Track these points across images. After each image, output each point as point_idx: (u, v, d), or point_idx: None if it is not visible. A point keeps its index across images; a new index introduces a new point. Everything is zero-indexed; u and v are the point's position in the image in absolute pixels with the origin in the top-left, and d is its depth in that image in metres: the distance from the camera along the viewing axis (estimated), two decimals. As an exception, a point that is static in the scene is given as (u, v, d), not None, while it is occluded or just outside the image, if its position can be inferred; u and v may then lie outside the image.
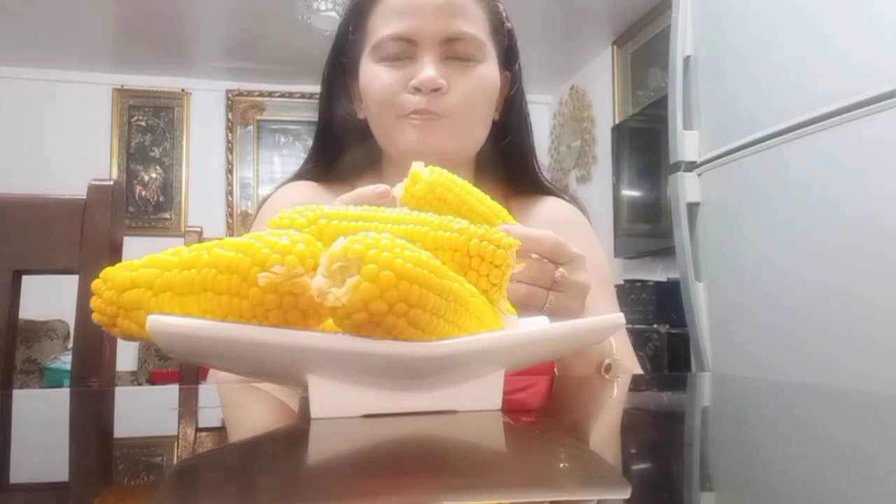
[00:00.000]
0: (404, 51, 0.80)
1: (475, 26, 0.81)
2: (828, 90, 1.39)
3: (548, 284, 0.58)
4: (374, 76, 0.81)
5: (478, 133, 0.84)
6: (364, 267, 0.36)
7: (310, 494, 0.29)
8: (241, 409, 0.54)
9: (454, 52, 0.80)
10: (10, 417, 0.56)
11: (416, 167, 0.57)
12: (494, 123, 0.87)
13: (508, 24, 0.89)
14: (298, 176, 0.91)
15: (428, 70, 0.77)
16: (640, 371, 0.77)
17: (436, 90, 0.78)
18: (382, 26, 0.81)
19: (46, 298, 2.05)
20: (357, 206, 0.54)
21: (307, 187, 0.88)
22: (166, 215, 4.44)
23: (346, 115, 0.88)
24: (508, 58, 0.88)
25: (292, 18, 3.20)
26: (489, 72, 0.83)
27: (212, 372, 0.72)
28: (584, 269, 0.61)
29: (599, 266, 0.83)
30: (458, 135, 0.81)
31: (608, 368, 0.67)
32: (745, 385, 0.78)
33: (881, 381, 1.25)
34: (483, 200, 0.59)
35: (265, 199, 0.92)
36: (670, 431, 0.45)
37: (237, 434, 0.46)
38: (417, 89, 0.78)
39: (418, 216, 0.49)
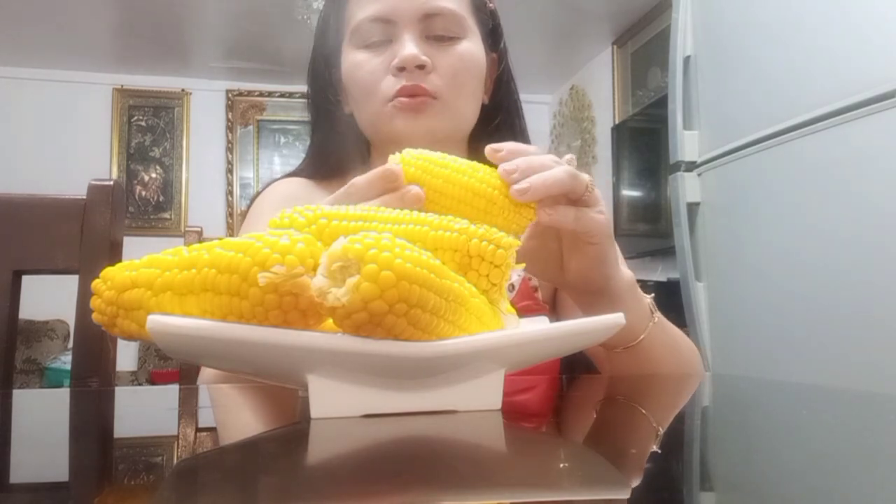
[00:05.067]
0: (383, 33, 0.78)
1: (454, 2, 0.79)
2: (828, 90, 1.39)
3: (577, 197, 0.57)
4: (355, 64, 0.79)
5: (467, 113, 0.81)
6: (364, 267, 0.36)
7: (310, 494, 0.29)
8: (241, 409, 0.54)
9: (434, 29, 0.78)
10: (10, 417, 0.56)
11: (393, 157, 0.57)
12: (484, 106, 0.85)
13: (491, 5, 0.87)
14: (292, 174, 0.91)
15: (409, 48, 0.75)
16: (685, 340, 0.75)
17: (420, 67, 0.75)
18: (359, 10, 0.79)
19: (46, 298, 2.05)
20: (365, 193, 0.54)
21: (298, 183, 0.87)
22: (166, 215, 4.44)
23: (333, 109, 0.87)
24: (493, 39, 0.86)
25: (292, 18, 3.20)
26: (473, 48, 0.80)
27: (202, 371, 0.72)
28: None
29: None
30: (446, 116, 0.78)
31: (653, 308, 0.66)
32: (745, 385, 0.78)
33: (881, 381, 1.25)
34: (465, 171, 0.56)
35: (256, 196, 0.91)
36: (670, 431, 0.45)
37: (237, 434, 0.46)
38: (401, 69, 0.75)
39: (418, 216, 0.49)
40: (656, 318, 0.66)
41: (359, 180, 0.56)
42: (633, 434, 0.43)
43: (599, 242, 0.59)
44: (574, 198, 0.57)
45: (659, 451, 0.38)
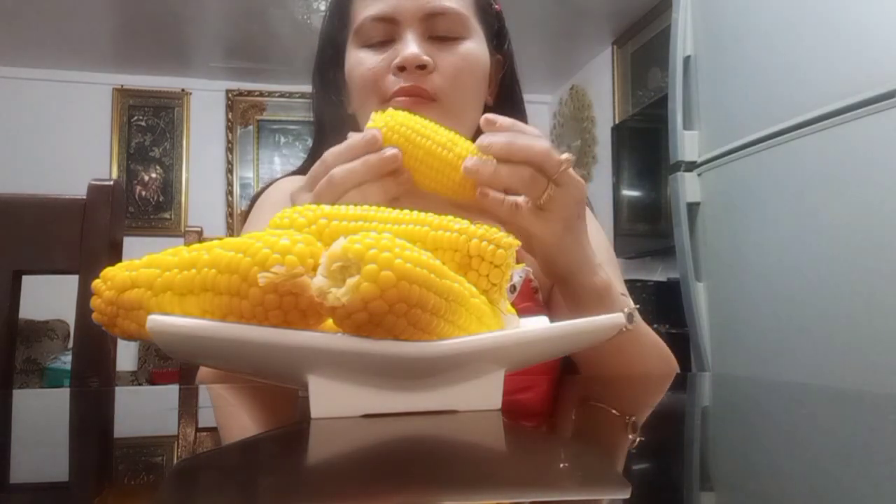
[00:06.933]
0: (386, 32, 0.78)
1: (457, 1, 0.79)
2: (828, 90, 1.39)
3: (550, 174, 0.58)
4: (357, 62, 0.80)
5: (469, 115, 0.80)
6: (364, 267, 0.36)
7: (310, 494, 0.29)
8: (241, 409, 0.54)
9: (437, 29, 0.78)
10: (10, 417, 0.56)
11: (375, 115, 0.61)
12: (488, 108, 0.84)
13: (497, 6, 0.87)
14: (295, 173, 0.91)
15: (411, 47, 0.75)
16: (654, 337, 0.73)
17: (421, 67, 0.75)
18: (363, 9, 0.79)
19: (46, 298, 2.05)
20: (349, 162, 0.58)
21: (300, 181, 0.87)
22: (166, 215, 4.44)
23: (337, 110, 0.87)
24: (499, 40, 0.86)
25: (292, 18, 3.20)
26: (476, 49, 0.80)
27: (199, 370, 0.71)
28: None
29: (603, 248, 0.82)
30: (447, 117, 0.76)
31: (630, 318, 0.66)
32: (745, 385, 0.78)
33: (881, 381, 1.25)
34: (444, 144, 0.59)
35: (258, 195, 0.91)
36: (670, 431, 0.45)
37: (237, 434, 0.46)
38: (402, 69, 0.75)
39: (418, 216, 0.49)
40: (629, 327, 0.66)
41: (336, 149, 0.59)
42: (633, 433, 0.43)
43: (546, 239, 0.61)
44: (549, 175, 0.58)
45: (659, 451, 0.38)
